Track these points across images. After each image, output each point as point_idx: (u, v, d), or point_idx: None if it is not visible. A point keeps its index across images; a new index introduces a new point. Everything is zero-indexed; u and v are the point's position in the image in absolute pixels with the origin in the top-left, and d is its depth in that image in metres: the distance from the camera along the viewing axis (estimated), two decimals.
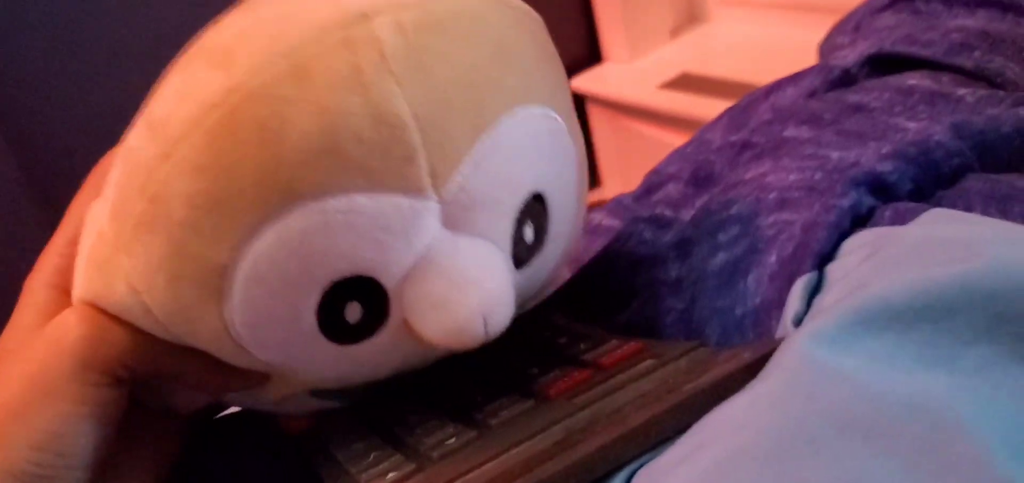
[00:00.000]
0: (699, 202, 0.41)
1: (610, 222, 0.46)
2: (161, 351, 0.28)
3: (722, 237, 0.35)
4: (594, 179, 1.46)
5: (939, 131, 0.36)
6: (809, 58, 0.55)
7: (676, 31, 1.37)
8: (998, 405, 0.21)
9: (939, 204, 0.32)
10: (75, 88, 1.08)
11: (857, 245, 0.30)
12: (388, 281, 0.26)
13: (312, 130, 0.24)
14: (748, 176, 0.39)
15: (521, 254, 0.30)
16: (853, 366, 0.22)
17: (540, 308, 0.37)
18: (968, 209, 0.32)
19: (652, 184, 0.48)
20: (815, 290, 0.30)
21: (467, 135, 0.26)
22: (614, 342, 0.32)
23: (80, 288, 0.28)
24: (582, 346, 0.32)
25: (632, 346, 0.31)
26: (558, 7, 1.32)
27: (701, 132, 0.50)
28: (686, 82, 1.20)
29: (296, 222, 0.25)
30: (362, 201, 0.25)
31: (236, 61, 0.24)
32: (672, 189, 0.45)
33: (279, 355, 0.28)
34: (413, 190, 0.25)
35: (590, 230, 0.47)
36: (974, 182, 0.34)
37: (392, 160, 0.25)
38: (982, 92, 0.39)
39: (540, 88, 0.29)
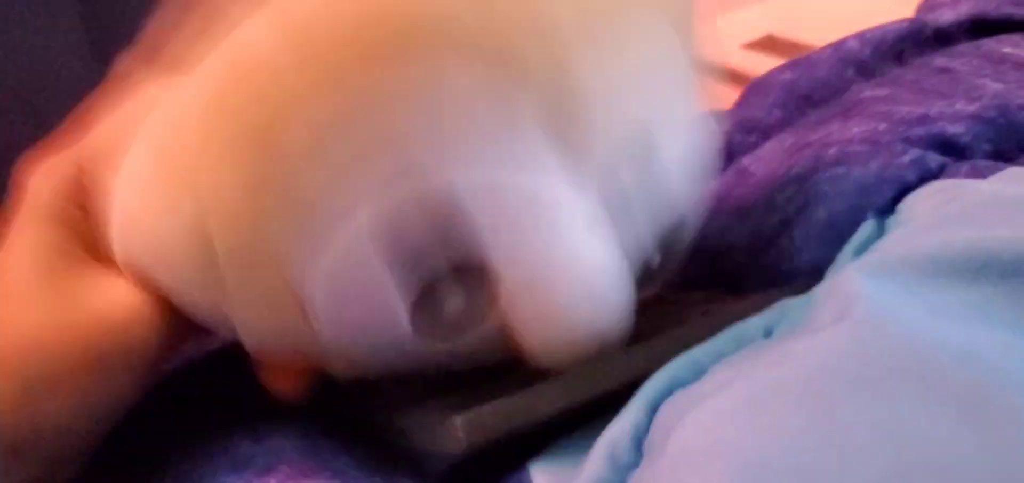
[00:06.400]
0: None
1: None
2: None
3: (778, 198, 0.34)
4: None
5: (1023, 96, 0.33)
6: None
7: None
8: None
9: None
10: None
11: (927, 194, 0.28)
12: (508, 275, 0.22)
13: (482, 70, 0.21)
14: (815, 137, 0.37)
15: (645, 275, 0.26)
16: (908, 314, 0.21)
17: None
18: None
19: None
20: (873, 238, 0.28)
21: (639, 118, 0.24)
22: None
23: (126, 201, 0.24)
24: None
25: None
26: None
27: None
28: (771, 44, 1.15)
29: (445, 184, 0.21)
30: (523, 176, 0.21)
31: None
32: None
33: (351, 337, 0.24)
34: (577, 178, 0.22)
35: None
36: None
37: (571, 134, 0.22)
38: None
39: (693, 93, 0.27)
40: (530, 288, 0.23)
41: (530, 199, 0.22)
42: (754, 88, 0.46)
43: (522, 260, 0.22)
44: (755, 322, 0.25)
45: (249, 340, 0.25)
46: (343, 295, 0.22)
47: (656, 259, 0.26)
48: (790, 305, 0.25)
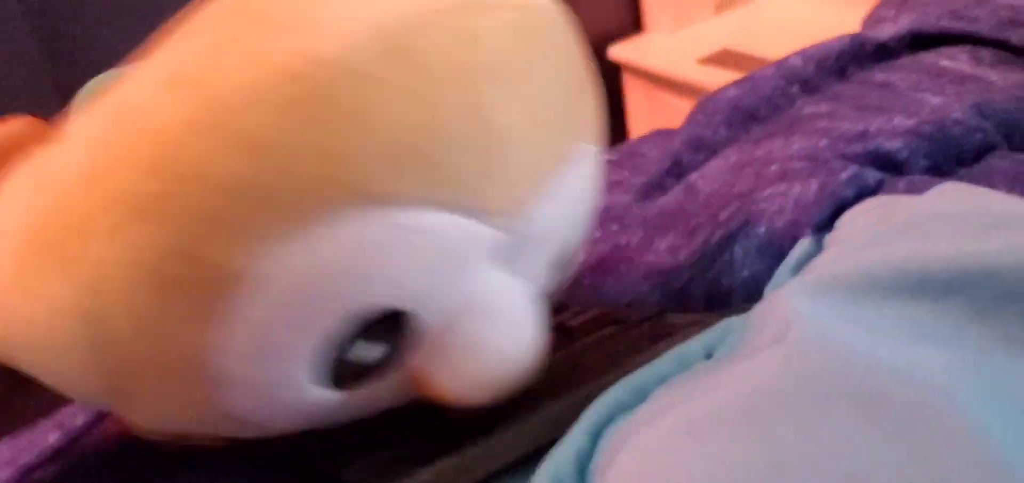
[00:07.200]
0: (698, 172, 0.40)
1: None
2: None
3: (722, 214, 0.34)
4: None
5: (959, 109, 0.34)
6: None
7: (721, 6, 1.33)
8: (1000, 387, 0.18)
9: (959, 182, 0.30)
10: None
11: (863, 211, 0.28)
12: (426, 318, 0.22)
13: (403, 123, 0.20)
14: (758, 153, 0.38)
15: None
16: (845, 334, 0.20)
17: None
18: (991, 189, 0.30)
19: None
20: (811, 255, 0.28)
21: (549, 162, 0.23)
22: (576, 308, 0.31)
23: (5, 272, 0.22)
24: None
25: (594, 312, 0.30)
26: None
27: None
28: (726, 58, 1.16)
29: (351, 231, 0.20)
30: (431, 218, 0.21)
31: (317, 30, 0.20)
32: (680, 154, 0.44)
33: (260, 403, 0.22)
34: (487, 213, 0.22)
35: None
36: (999, 162, 0.32)
37: (475, 176, 0.21)
38: (1016, 77, 0.37)
39: (597, 124, 0.27)
40: (448, 330, 0.22)
41: (442, 238, 0.21)
42: (701, 107, 0.47)
43: (439, 301, 0.22)
44: (696, 343, 0.25)
45: (139, 421, 0.23)
46: (257, 363, 0.21)
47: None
48: (731, 325, 0.25)
